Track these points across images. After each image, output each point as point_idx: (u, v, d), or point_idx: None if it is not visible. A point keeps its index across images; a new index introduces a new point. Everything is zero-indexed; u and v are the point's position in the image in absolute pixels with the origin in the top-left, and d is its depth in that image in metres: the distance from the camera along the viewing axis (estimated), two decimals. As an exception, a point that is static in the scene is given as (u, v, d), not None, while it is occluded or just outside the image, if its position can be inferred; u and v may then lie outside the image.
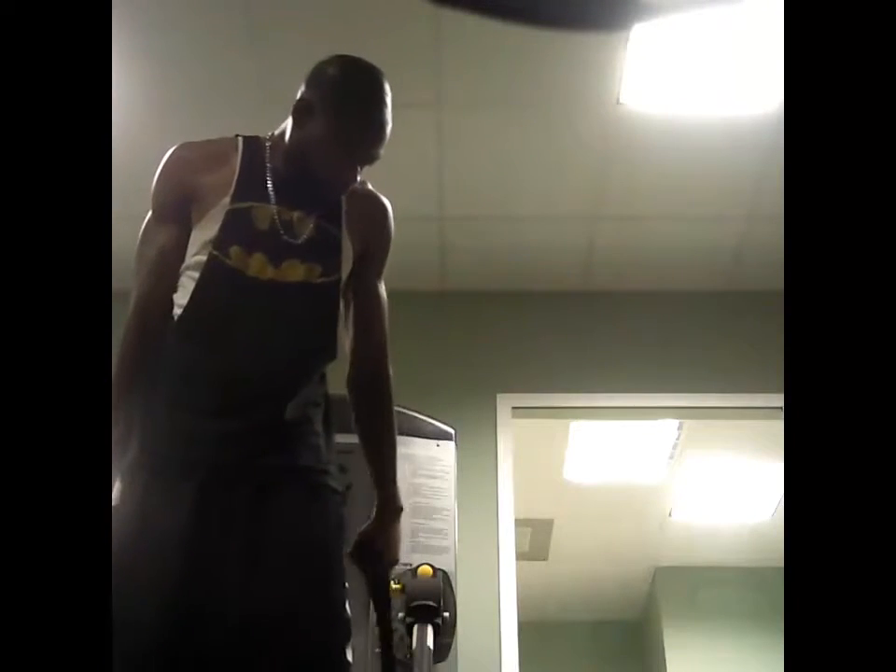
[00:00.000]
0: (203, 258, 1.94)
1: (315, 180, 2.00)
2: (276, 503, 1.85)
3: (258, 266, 1.93)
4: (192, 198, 1.99)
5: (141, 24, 3.31)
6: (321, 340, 1.99)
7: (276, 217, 1.97)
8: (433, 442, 3.48)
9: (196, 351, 1.93)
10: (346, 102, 1.98)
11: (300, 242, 1.97)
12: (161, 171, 2.05)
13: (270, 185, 2.00)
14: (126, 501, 1.83)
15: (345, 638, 1.86)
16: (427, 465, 3.42)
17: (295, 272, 1.95)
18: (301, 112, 1.99)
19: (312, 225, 1.99)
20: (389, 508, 2.07)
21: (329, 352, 2.01)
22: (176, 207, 2.00)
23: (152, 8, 3.30)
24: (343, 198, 2.05)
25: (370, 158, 2.01)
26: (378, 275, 2.15)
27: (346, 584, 1.92)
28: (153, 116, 3.66)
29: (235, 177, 1.99)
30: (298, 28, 3.34)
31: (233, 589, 1.77)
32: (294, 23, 3.35)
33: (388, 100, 2.00)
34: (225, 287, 1.93)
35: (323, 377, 2.04)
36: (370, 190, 2.15)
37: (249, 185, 1.99)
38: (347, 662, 1.85)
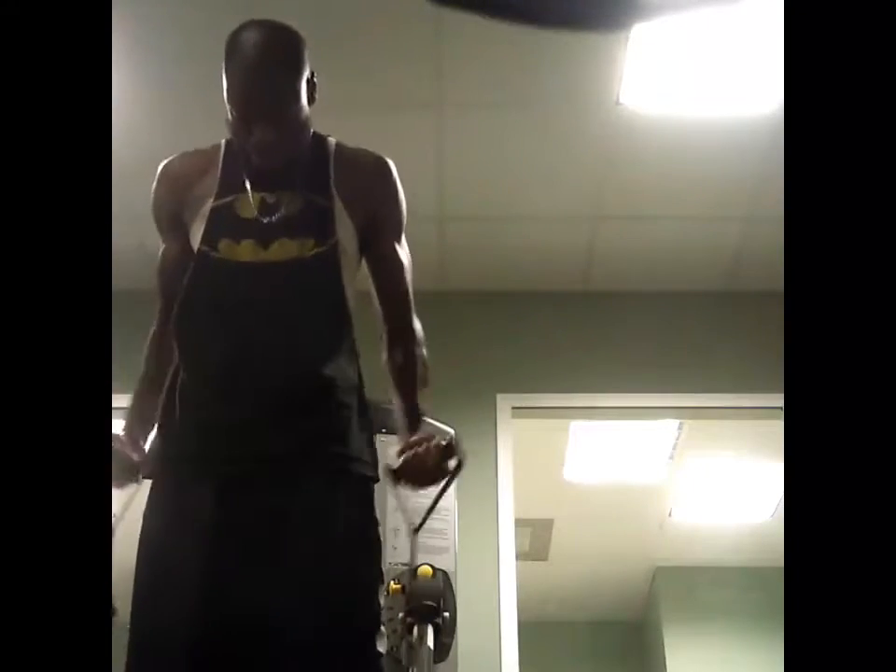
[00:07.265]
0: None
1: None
2: (299, 494, 1.82)
3: (248, 252, 1.93)
4: (183, 208, 2.01)
5: (141, 24, 3.31)
6: (328, 310, 1.95)
7: (258, 202, 1.96)
8: (433, 442, 3.47)
9: (198, 344, 1.93)
10: (225, 63, 1.98)
11: (284, 219, 1.95)
12: (154, 188, 2.08)
13: (245, 174, 1.99)
14: (152, 507, 1.86)
15: (375, 629, 1.83)
16: (427, 465, 3.41)
17: (286, 249, 1.93)
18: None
19: (296, 201, 1.97)
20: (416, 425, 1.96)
21: (340, 321, 1.96)
22: (170, 220, 2.04)
23: (152, 8, 3.30)
24: (331, 165, 2.03)
25: (248, 110, 1.91)
26: (394, 238, 2.07)
27: (381, 569, 1.90)
28: (153, 116, 3.66)
29: (218, 178, 2.00)
30: (297, 28, 3.34)
31: (258, 588, 1.75)
32: (294, 24, 3.34)
33: (258, 51, 1.99)
34: (215, 277, 1.94)
35: (352, 356, 1.97)
36: (362, 152, 2.09)
37: (231, 180, 2.00)
38: (378, 653, 1.83)
